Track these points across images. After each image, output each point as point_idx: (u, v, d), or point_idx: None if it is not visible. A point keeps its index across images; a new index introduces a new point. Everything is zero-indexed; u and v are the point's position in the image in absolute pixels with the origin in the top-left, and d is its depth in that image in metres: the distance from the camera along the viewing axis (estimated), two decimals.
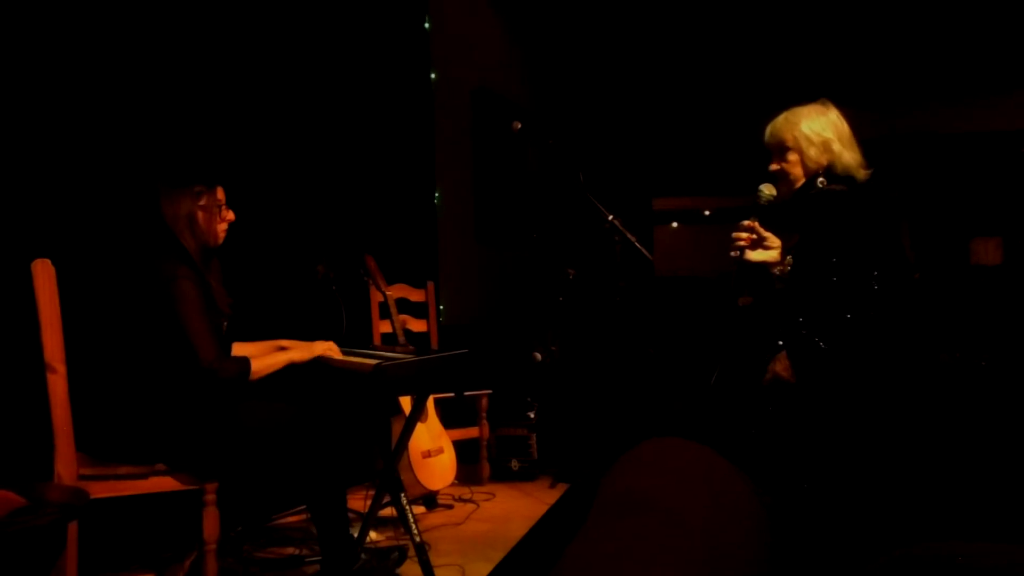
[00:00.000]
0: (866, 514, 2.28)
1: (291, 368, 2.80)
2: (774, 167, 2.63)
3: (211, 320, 2.61)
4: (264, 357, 2.73)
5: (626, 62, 7.51)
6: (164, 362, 2.57)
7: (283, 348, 2.89)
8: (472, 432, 4.37)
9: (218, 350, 2.58)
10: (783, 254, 2.53)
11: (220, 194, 2.75)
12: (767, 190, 2.59)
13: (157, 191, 2.68)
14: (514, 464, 4.57)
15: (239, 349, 2.90)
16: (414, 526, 2.86)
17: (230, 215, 2.79)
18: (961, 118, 7.70)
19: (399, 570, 3.00)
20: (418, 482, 3.71)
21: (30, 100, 2.79)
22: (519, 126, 4.26)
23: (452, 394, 4.05)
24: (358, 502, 3.54)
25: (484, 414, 4.39)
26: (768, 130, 2.65)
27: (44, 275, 2.40)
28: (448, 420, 4.17)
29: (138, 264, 2.61)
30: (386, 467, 2.97)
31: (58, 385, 2.40)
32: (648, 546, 0.97)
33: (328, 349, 2.90)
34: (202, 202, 2.70)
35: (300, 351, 2.85)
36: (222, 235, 2.77)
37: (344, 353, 2.92)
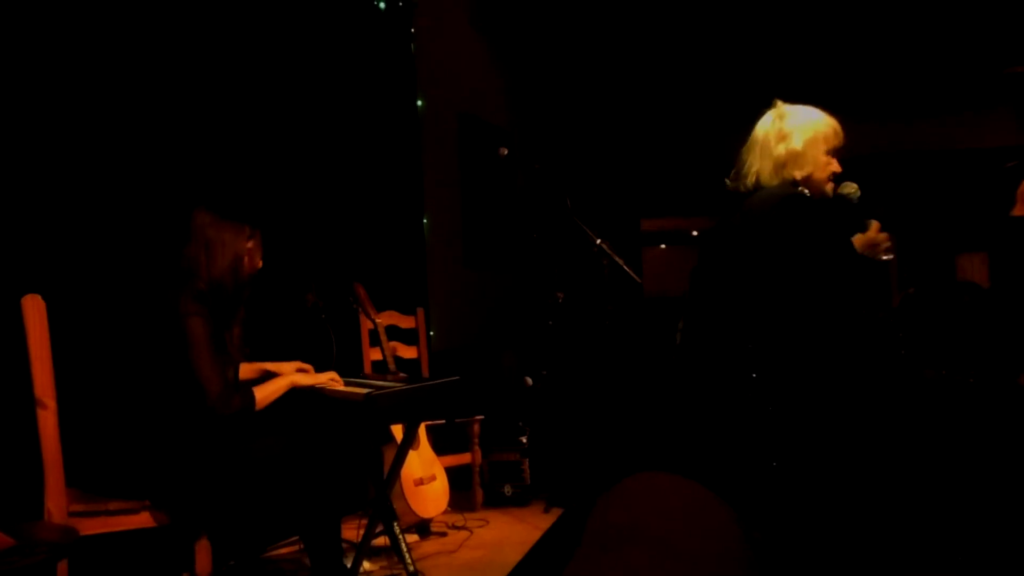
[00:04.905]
0: (853, 537, 2.28)
1: (283, 398, 2.80)
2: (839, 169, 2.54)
3: (220, 358, 2.60)
4: (266, 385, 2.73)
5: (611, 84, 7.57)
6: (166, 396, 2.57)
7: (267, 372, 2.88)
8: (464, 458, 4.36)
9: (225, 387, 2.57)
10: None
11: (260, 239, 2.75)
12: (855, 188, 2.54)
13: (185, 228, 2.64)
14: (507, 489, 4.56)
15: None
16: (408, 555, 2.85)
17: (259, 263, 2.77)
18: (944, 136, 7.79)
19: None
20: (411, 510, 3.69)
21: (25, 137, 2.78)
22: (505, 152, 4.29)
23: (443, 421, 4.05)
24: (351, 532, 3.52)
25: (476, 440, 4.38)
26: (839, 130, 2.56)
27: (34, 310, 2.41)
28: (440, 446, 4.16)
29: (151, 300, 2.60)
30: (379, 496, 2.97)
31: (48, 421, 2.40)
32: (635, 573, 0.98)
33: (332, 379, 2.90)
34: (249, 245, 2.70)
35: (302, 375, 2.86)
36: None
37: None
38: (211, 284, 2.62)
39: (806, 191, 2.47)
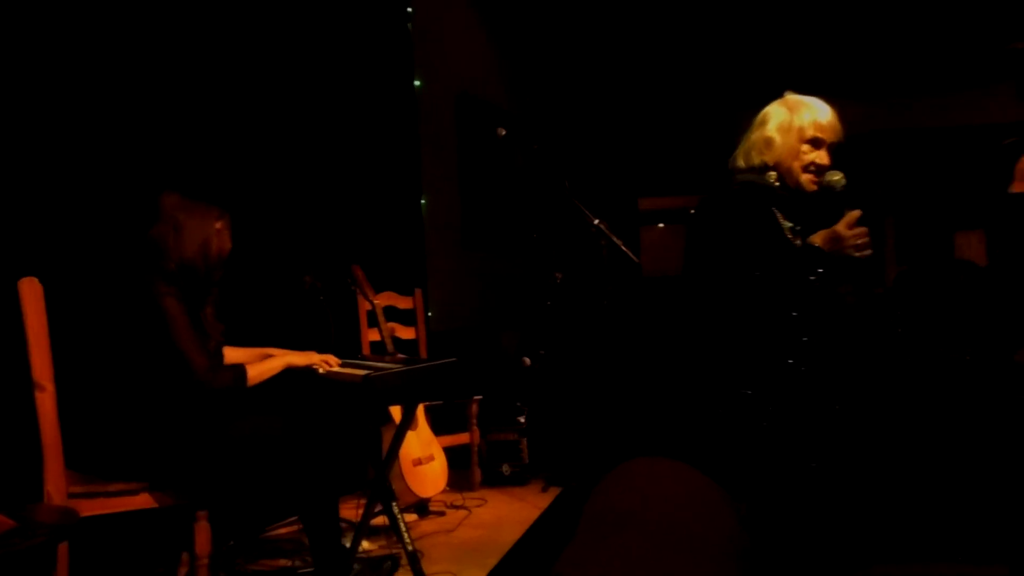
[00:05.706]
0: (844, 519, 2.28)
1: (282, 379, 2.81)
2: (828, 160, 2.40)
3: (199, 334, 2.62)
4: (260, 363, 2.73)
5: (609, 63, 7.53)
6: (158, 376, 2.58)
7: (270, 356, 2.89)
8: (463, 438, 4.38)
9: (210, 360, 2.59)
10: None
11: (228, 221, 2.76)
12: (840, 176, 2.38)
13: (154, 210, 2.65)
14: (505, 469, 4.58)
15: (228, 354, 2.91)
16: (406, 534, 2.87)
17: (228, 245, 2.77)
18: (942, 112, 7.77)
19: None
20: (409, 490, 3.71)
21: (18, 120, 2.77)
22: (503, 132, 4.28)
23: (441, 401, 4.07)
24: (350, 511, 3.55)
25: (474, 420, 4.40)
26: (834, 119, 2.42)
27: (31, 293, 2.40)
28: (438, 426, 4.18)
29: (129, 281, 2.61)
30: (377, 476, 2.98)
31: (46, 403, 2.40)
32: (633, 560, 0.99)
33: (324, 361, 2.90)
34: (218, 226, 2.70)
35: (297, 355, 2.86)
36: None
37: None
38: (180, 265, 2.63)
39: (772, 177, 2.44)
